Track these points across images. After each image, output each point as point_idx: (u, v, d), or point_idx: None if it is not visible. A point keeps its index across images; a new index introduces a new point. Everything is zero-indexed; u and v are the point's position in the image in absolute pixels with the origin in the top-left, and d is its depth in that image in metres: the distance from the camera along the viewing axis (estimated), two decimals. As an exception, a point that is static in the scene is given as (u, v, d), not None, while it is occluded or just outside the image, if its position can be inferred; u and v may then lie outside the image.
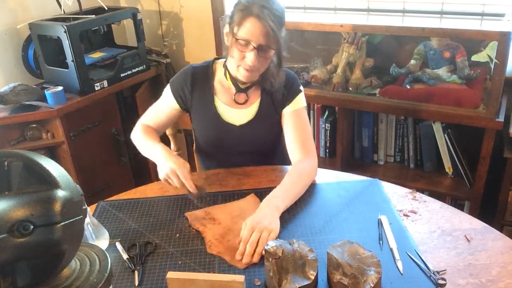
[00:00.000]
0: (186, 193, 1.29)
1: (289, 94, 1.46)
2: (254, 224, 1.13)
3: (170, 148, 1.39)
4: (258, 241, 1.09)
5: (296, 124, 1.44)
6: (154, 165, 1.36)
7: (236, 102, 1.47)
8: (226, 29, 1.36)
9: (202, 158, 1.64)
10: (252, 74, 1.37)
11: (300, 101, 1.47)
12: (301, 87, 1.49)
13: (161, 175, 1.29)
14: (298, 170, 1.36)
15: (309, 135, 1.46)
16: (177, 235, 1.20)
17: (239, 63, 1.34)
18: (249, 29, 1.28)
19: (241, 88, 1.44)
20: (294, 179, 1.32)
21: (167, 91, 1.51)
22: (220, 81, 1.48)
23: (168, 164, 1.27)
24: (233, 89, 1.46)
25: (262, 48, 1.30)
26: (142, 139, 1.45)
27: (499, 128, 1.75)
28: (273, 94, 1.46)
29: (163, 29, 2.71)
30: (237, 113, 1.47)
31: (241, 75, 1.37)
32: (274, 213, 1.18)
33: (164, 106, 1.52)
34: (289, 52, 1.45)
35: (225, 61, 1.44)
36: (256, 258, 1.08)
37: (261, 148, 1.53)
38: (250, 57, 1.30)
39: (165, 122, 1.54)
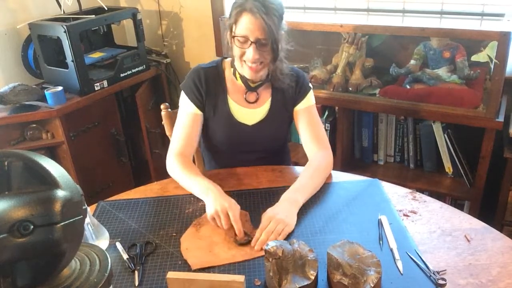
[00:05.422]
0: (231, 236, 1.18)
1: (301, 92, 1.48)
2: (272, 215, 1.19)
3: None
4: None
5: (309, 120, 1.48)
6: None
7: (247, 101, 1.47)
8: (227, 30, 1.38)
9: (209, 157, 1.63)
10: (257, 71, 1.38)
11: (311, 98, 1.51)
12: (310, 85, 1.52)
13: (210, 211, 1.20)
14: (315, 164, 1.40)
15: (323, 130, 1.50)
16: (175, 234, 1.20)
17: (242, 61, 1.36)
18: (244, 25, 1.30)
19: (252, 87, 1.45)
20: (312, 173, 1.36)
21: (183, 99, 1.47)
22: (231, 80, 1.48)
23: (220, 202, 1.20)
24: (244, 89, 1.46)
25: (261, 42, 1.32)
26: (184, 175, 1.36)
27: (499, 128, 1.75)
28: (284, 92, 1.48)
29: (163, 29, 2.71)
30: (250, 113, 1.48)
31: (247, 73, 1.39)
32: (292, 208, 1.23)
33: (188, 119, 1.45)
34: (289, 51, 1.45)
35: (232, 61, 1.44)
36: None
37: (271, 146, 1.55)
38: (250, 52, 1.32)
39: (194, 136, 1.45)
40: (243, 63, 1.37)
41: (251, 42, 1.31)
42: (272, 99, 1.48)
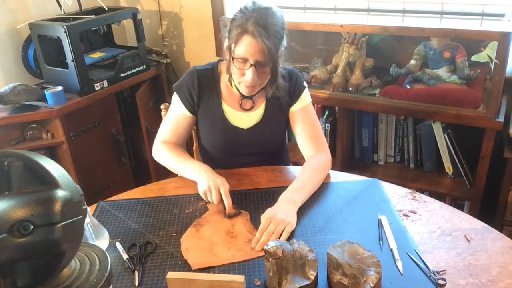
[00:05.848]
0: (222, 210, 1.28)
1: (295, 92, 1.47)
2: (271, 215, 1.19)
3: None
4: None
5: (305, 120, 1.47)
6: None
7: (242, 108, 1.47)
8: (226, 42, 1.36)
9: (206, 159, 1.63)
10: (254, 90, 1.39)
11: (306, 98, 1.49)
12: (305, 83, 1.51)
13: (203, 187, 1.29)
14: (313, 164, 1.39)
15: (319, 129, 1.49)
16: (175, 234, 1.20)
17: (239, 80, 1.36)
18: (245, 47, 1.28)
19: (247, 95, 1.45)
20: (310, 173, 1.36)
21: (175, 99, 1.48)
22: (226, 85, 1.47)
23: (213, 178, 1.29)
24: (239, 96, 1.45)
25: (260, 64, 1.31)
26: (171, 158, 1.42)
27: (499, 128, 1.75)
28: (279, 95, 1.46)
29: (163, 29, 2.71)
30: (244, 117, 1.47)
31: (243, 90, 1.40)
32: (291, 208, 1.23)
33: (177, 116, 1.48)
34: (289, 52, 1.45)
35: (228, 68, 1.42)
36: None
37: (268, 149, 1.54)
38: (249, 74, 1.31)
39: (183, 134, 1.50)
40: (240, 83, 1.37)
41: (251, 64, 1.30)
42: (267, 102, 1.48)
